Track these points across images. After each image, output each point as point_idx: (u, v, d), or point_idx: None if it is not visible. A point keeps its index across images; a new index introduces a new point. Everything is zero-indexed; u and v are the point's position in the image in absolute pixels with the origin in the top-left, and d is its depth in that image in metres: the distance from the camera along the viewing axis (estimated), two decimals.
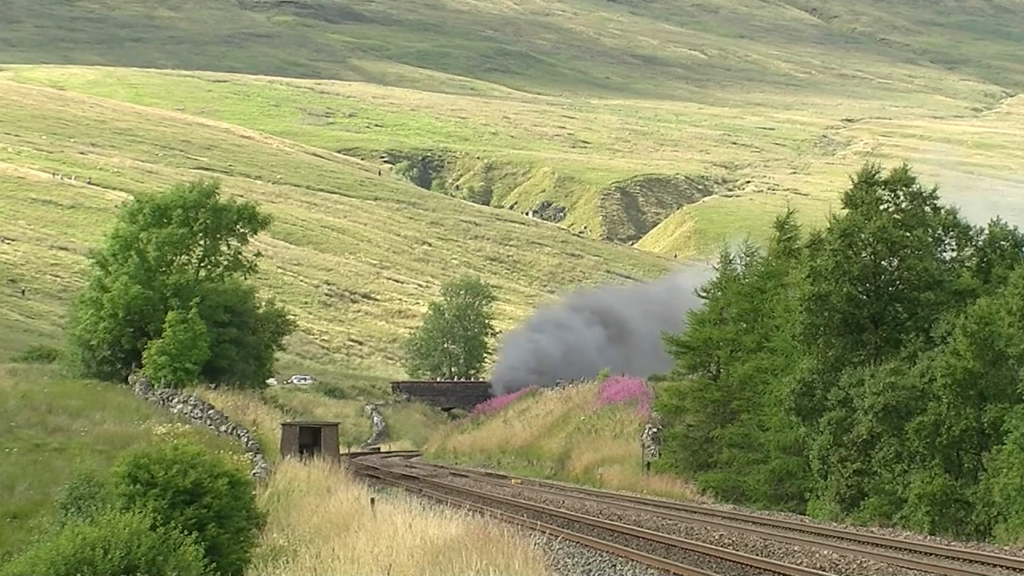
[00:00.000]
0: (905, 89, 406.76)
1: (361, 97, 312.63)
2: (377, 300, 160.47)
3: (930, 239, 45.47)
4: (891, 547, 33.30)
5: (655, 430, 60.79)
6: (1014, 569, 28.86)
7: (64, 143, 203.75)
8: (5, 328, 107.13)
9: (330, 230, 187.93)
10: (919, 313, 44.15)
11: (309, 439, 54.41)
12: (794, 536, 35.29)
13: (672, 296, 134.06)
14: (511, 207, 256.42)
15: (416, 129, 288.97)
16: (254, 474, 37.67)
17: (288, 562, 27.57)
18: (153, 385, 59.29)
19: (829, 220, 45.79)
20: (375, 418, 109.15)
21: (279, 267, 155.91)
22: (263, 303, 75.28)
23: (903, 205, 45.72)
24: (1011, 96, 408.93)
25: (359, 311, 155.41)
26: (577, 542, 33.05)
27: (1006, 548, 33.50)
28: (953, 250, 46.19)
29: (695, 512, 43.51)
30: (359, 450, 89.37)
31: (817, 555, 30.41)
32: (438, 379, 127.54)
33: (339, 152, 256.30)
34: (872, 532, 37.19)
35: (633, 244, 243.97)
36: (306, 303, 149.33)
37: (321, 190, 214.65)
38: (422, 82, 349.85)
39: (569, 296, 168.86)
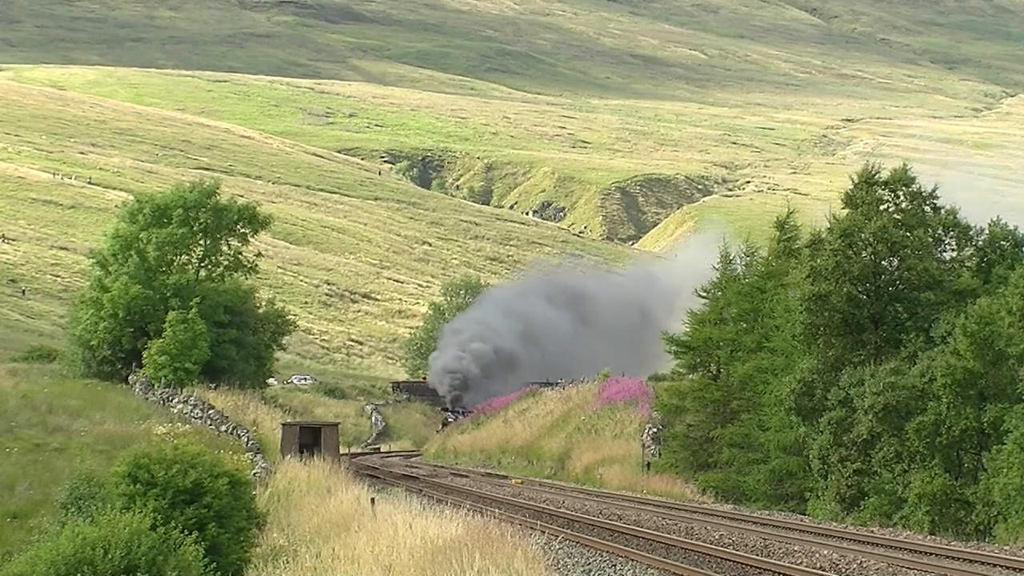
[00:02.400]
0: (905, 89, 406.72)
1: (361, 97, 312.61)
2: (377, 300, 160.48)
3: (930, 239, 45.46)
4: (891, 547, 33.31)
5: (655, 430, 60.80)
6: (1014, 569, 28.87)
7: (64, 143, 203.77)
8: (5, 328, 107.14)
9: (330, 230, 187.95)
10: (919, 313, 44.15)
11: (309, 439, 54.41)
12: (794, 536, 35.29)
13: (643, 285, 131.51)
14: (511, 207, 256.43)
15: (416, 129, 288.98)
16: (254, 474, 37.66)
17: (288, 562, 27.57)
18: (153, 385, 59.30)
19: (829, 220, 45.80)
20: (375, 418, 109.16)
21: (279, 267, 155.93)
22: (263, 303, 75.32)
23: (903, 205, 45.73)
24: (1011, 96, 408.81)
25: (359, 311, 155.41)
26: (577, 542, 33.06)
27: (1006, 548, 33.50)
28: (953, 250, 46.19)
29: (695, 512, 43.51)
30: (359, 450, 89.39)
31: (817, 555, 30.41)
32: None
33: (339, 152, 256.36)
34: (872, 532, 37.19)
35: (633, 244, 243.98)
36: (306, 303, 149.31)
37: (321, 190, 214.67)
38: (422, 82, 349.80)
39: (529, 275, 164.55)
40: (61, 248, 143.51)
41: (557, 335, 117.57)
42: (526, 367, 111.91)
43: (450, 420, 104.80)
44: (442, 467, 73.12)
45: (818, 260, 44.94)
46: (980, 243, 45.70)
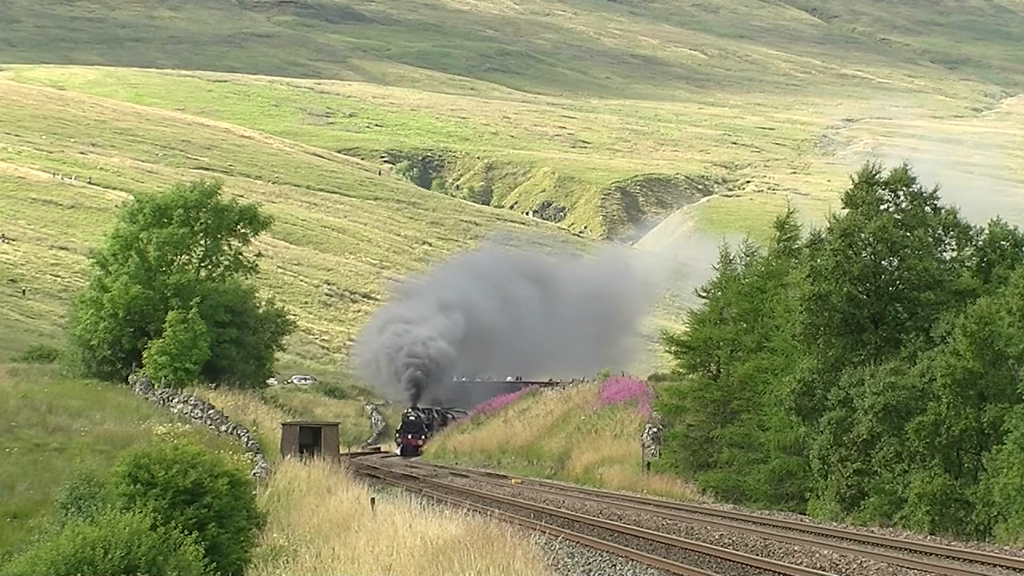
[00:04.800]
0: (905, 89, 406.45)
1: (361, 97, 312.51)
2: (377, 300, 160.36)
3: (930, 239, 45.50)
4: (891, 547, 33.32)
5: (655, 430, 60.80)
6: (1014, 569, 28.88)
7: (64, 143, 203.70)
8: (5, 328, 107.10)
9: (330, 230, 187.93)
10: (919, 313, 44.18)
11: (309, 439, 54.42)
12: (794, 536, 35.30)
13: (610, 274, 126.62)
14: (511, 207, 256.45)
15: (416, 129, 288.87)
16: (254, 474, 37.68)
17: (288, 562, 27.59)
18: (153, 385, 59.32)
19: (829, 220, 45.83)
20: (375, 418, 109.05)
21: (279, 267, 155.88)
22: (263, 303, 75.30)
23: (903, 205, 45.77)
24: (1011, 96, 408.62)
25: (359, 311, 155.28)
26: (577, 542, 33.06)
27: (1006, 548, 33.52)
28: (953, 250, 46.24)
29: (695, 512, 43.52)
30: (359, 450, 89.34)
31: (817, 555, 30.42)
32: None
33: (339, 152, 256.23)
34: (872, 532, 37.21)
35: (633, 244, 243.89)
36: (306, 303, 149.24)
37: (321, 190, 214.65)
38: (422, 82, 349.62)
39: (487, 249, 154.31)
40: (61, 248, 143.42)
41: (529, 317, 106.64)
42: (500, 351, 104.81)
43: (411, 418, 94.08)
44: (442, 467, 73.14)
45: (818, 260, 44.98)
46: (980, 243, 45.74)
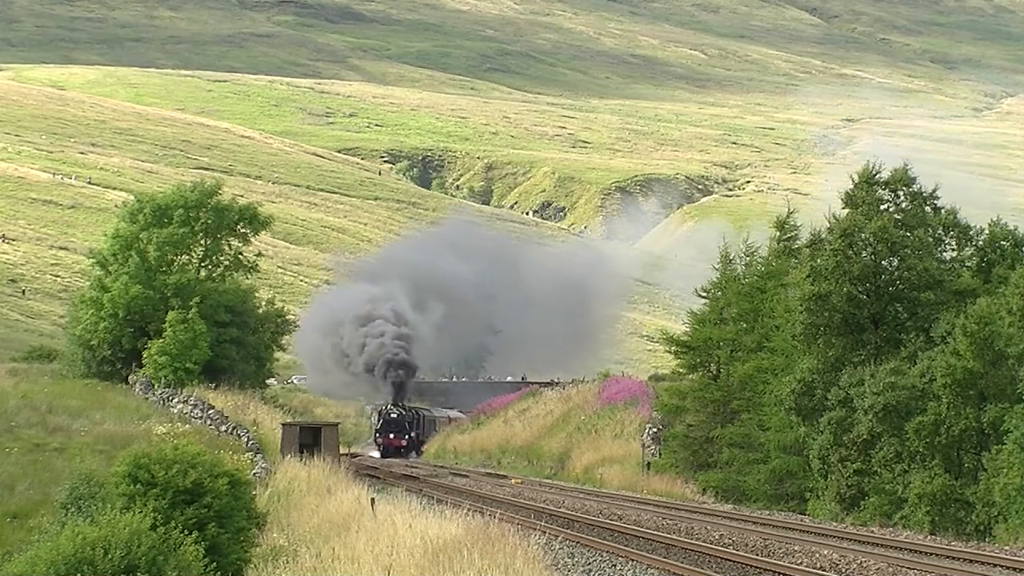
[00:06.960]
0: (905, 89, 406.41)
1: (361, 97, 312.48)
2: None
3: (930, 239, 45.50)
4: (891, 547, 33.32)
5: (655, 430, 60.81)
6: (1014, 569, 28.88)
7: (64, 143, 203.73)
8: (5, 328, 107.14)
9: (330, 230, 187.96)
10: (919, 313, 44.19)
11: (309, 439, 54.44)
12: (794, 536, 35.30)
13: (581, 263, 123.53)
14: (511, 207, 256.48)
15: (416, 129, 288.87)
16: (254, 474, 37.71)
17: (288, 562, 27.59)
18: (153, 385, 59.34)
19: (829, 220, 45.83)
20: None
21: (279, 267, 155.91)
22: (263, 303, 75.31)
23: (903, 205, 45.77)
24: (1011, 96, 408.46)
25: None
26: (577, 542, 33.06)
27: (1006, 548, 33.52)
28: (953, 250, 46.24)
29: (695, 512, 43.53)
30: (359, 450, 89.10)
31: (817, 555, 30.41)
32: (439, 379, 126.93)
33: (339, 152, 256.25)
34: (872, 532, 37.21)
35: (633, 244, 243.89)
36: (306, 303, 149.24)
37: (321, 190, 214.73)
38: (422, 82, 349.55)
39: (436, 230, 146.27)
40: (61, 248, 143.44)
41: (504, 308, 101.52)
42: (478, 343, 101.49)
43: (393, 416, 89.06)
44: (442, 467, 73.12)
45: (818, 260, 44.98)
46: (980, 243, 45.75)
